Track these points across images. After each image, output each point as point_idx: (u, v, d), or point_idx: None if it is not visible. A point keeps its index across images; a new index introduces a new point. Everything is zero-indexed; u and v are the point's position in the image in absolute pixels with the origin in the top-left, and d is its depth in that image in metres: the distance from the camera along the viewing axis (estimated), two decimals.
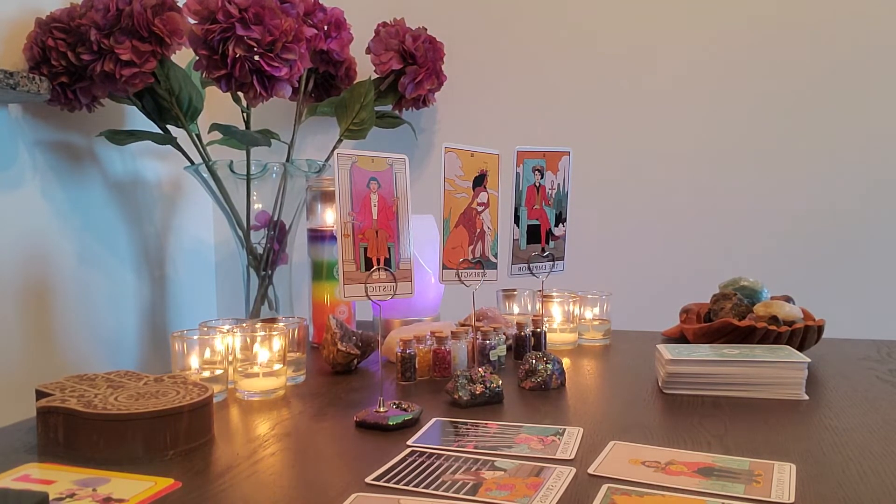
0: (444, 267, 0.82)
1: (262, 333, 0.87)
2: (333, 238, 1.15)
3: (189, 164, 1.24)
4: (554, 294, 1.15)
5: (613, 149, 1.42)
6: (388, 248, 0.79)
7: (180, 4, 1.08)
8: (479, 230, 0.85)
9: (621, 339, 1.19)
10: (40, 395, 0.71)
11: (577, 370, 0.99)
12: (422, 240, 1.10)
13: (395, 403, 0.76)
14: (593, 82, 1.42)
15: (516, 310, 1.21)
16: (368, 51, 1.39)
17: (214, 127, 1.20)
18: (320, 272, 1.18)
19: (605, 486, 0.57)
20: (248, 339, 0.87)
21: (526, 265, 0.91)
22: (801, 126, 1.32)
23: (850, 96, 1.30)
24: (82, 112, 1.18)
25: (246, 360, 0.87)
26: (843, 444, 0.67)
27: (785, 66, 1.32)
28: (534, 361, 0.89)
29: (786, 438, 0.69)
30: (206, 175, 1.23)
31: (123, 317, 1.36)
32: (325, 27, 1.29)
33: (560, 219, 0.94)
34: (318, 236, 1.17)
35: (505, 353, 1.00)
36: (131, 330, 1.37)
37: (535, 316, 1.09)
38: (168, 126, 1.24)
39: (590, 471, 0.60)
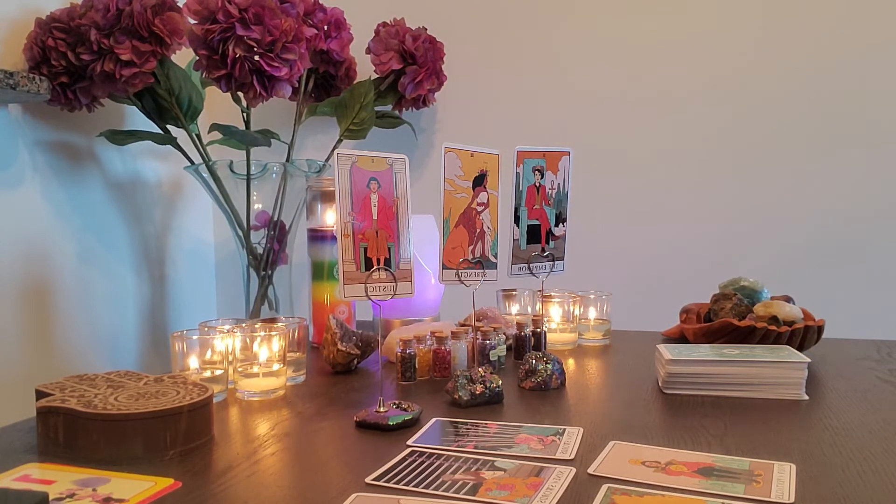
0: (444, 267, 0.82)
1: (262, 333, 0.87)
2: (333, 238, 1.15)
3: (189, 164, 1.24)
4: (554, 294, 1.15)
5: (614, 148, 1.42)
6: (389, 249, 0.79)
7: (180, 4, 1.08)
8: (479, 230, 0.85)
9: (621, 339, 1.19)
10: (40, 395, 0.71)
11: (578, 370, 0.99)
12: (422, 240, 1.10)
13: (395, 403, 0.76)
14: (593, 82, 1.42)
15: (516, 310, 1.21)
16: (368, 51, 1.39)
17: (214, 127, 1.21)
18: (320, 272, 1.18)
19: (605, 486, 0.57)
20: (248, 339, 0.87)
21: (526, 265, 0.91)
22: (801, 127, 1.32)
23: (849, 98, 1.29)
24: (82, 112, 1.18)
25: (246, 360, 0.87)
26: (843, 444, 0.67)
27: (785, 68, 1.32)
28: (534, 361, 0.89)
29: (786, 438, 0.69)
30: (206, 175, 1.23)
31: (123, 317, 1.36)
32: (325, 27, 1.29)
33: (560, 219, 0.94)
34: (318, 236, 1.17)
35: (505, 353, 1.00)
36: (131, 330, 1.37)
37: (535, 316, 1.09)
38: (168, 126, 1.24)
39: (590, 471, 0.60)
